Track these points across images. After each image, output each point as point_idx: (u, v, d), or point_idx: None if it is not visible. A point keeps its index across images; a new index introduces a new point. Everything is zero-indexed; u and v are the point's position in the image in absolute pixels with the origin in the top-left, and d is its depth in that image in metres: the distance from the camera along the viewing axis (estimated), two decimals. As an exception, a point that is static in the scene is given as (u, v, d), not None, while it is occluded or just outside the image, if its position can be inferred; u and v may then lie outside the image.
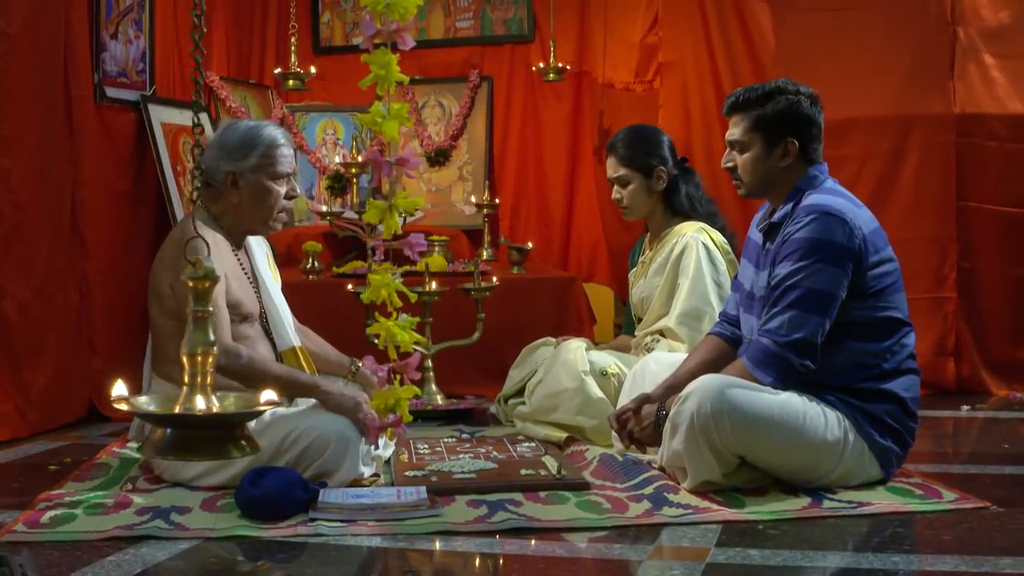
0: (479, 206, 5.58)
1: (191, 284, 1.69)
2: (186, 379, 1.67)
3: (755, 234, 3.37)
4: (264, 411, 1.80)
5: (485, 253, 5.56)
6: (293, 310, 4.81)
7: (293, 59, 5.11)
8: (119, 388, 1.72)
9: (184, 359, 1.69)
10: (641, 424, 3.27)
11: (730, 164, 3.33)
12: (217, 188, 3.40)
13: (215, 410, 1.65)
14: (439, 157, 6.05)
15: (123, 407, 1.69)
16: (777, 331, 3.08)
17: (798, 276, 3.07)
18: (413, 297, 2.27)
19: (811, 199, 3.17)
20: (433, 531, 2.76)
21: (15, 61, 4.03)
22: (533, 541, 2.69)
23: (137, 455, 3.60)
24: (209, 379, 1.66)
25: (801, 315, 3.05)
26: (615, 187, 4.12)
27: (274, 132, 3.44)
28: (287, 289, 4.86)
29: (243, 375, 3.21)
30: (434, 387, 4.59)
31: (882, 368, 3.13)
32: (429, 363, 4.61)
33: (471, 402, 4.61)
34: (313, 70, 5.28)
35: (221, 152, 3.39)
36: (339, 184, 5.84)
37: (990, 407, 4.65)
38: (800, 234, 3.10)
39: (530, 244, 5.38)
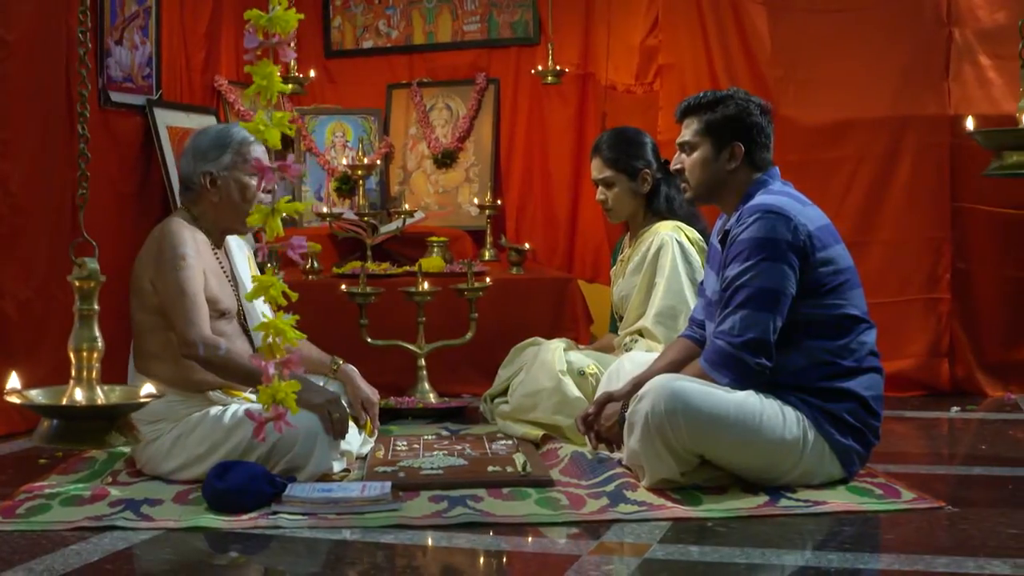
0: (482, 207, 5.66)
1: (77, 284, 1.79)
2: (72, 373, 1.76)
3: (716, 242, 3.42)
4: (145, 403, 1.90)
5: (487, 254, 5.64)
6: (290, 310, 4.91)
7: (292, 63, 5.20)
8: (12, 380, 1.83)
9: (70, 354, 1.78)
10: (604, 424, 3.33)
11: (678, 166, 3.42)
12: (196, 191, 3.51)
13: (100, 402, 1.75)
14: (446, 159, 6.13)
15: (14, 399, 1.79)
16: (730, 332, 3.13)
17: (746, 276, 3.12)
18: (294, 296, 2.35)
19: (754, 200, 3.24)
20: (388, 525, 2.84)
21: (15, 67, 4.16)
22: (482, 535, 2.75)
23: (125, 450, 3.70)
24: (95, 373, 1.75)
25: (752, 314, 3.10)
26: (600, 188, 4.18)
27: (244, 131, 3.55)
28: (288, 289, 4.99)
29: (220, 366, 3.32)
30: (427, 386, 4.67)
31: (841, 366, 3.15)
32: (422, 362, 4.69)
33: (462, 401, 4.68)
34: (312, 74, 5.36)
35: (196, 156, 3.51)
36: (347, 186, 5.95)
37: (982, 409, 4.66)
38: (745, 235, 3.16)
39: (527, 245, 5.45)
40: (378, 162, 5.94)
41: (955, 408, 4.60)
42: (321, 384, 3.70)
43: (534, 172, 6.17)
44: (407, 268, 5.19)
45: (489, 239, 5.69)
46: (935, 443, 4.17)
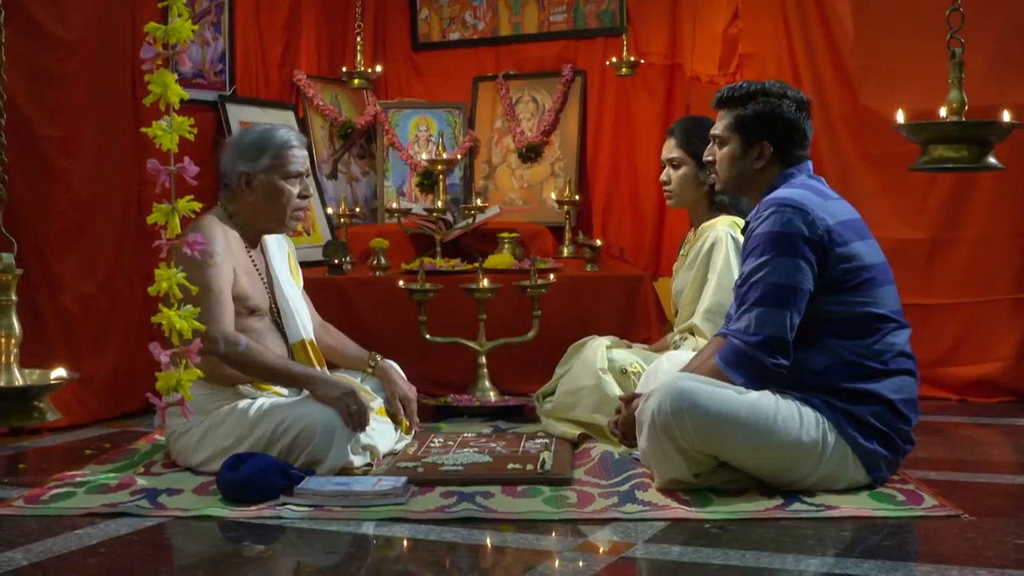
0: (560, 202, 5.78)
1: (-9, 277, 2.00)
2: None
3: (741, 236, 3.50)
4: (56, 385, 2.11)
5: (566, 250, 5.76)
6: (355, 306, 5.14)
7: (359, 58, 5.43)
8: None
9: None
10: (626, 418, 3.40)
11: (709, 158, 3.51)
12: (232, 188, 3.74)
13: (17, 384, 1.96)
14: (531, 153, 6.26)
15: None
16: (746, 330, 3.19)
17: (760, 272, 3.19)
18: (195, 290, 2.54)
19: (773, 194, 3.30)
20: (387, 518, 3.00)
21: (75, 66, 4.45)
22: (474, 531, 2.90)
23: (162, 440, 3.93)
24: (13, 358, 1.96)
25: (767, 311, 3.16)
26: (666, 169, 4.28)
27: (287, 134, 3.77)
28: (354, 285, 5.21)
29: (240, 362, 3.54)
30: (487, 383, 4.83)
31: (866, 367, 3.18)
32: (482, 360, 4.84)
33: (520, 399, 4.81)
34: (379, 68, 5.57)
35: (236, 154, 3.73)
36: (429, 180, 6.14)
37: (1070, 417, 4.58)
38: (760, 229, 3.22)
39: (599, 241, 5.54)
40: (459, 156, 6.11)
41: (1038, 415, 4.55)
42: (359, 380, 3.91)
43: (621, 167, 6.23)
44: (476, 264, 5.34)
45: (568, 235, 5.81)
46: (999, 451, 4.13)
